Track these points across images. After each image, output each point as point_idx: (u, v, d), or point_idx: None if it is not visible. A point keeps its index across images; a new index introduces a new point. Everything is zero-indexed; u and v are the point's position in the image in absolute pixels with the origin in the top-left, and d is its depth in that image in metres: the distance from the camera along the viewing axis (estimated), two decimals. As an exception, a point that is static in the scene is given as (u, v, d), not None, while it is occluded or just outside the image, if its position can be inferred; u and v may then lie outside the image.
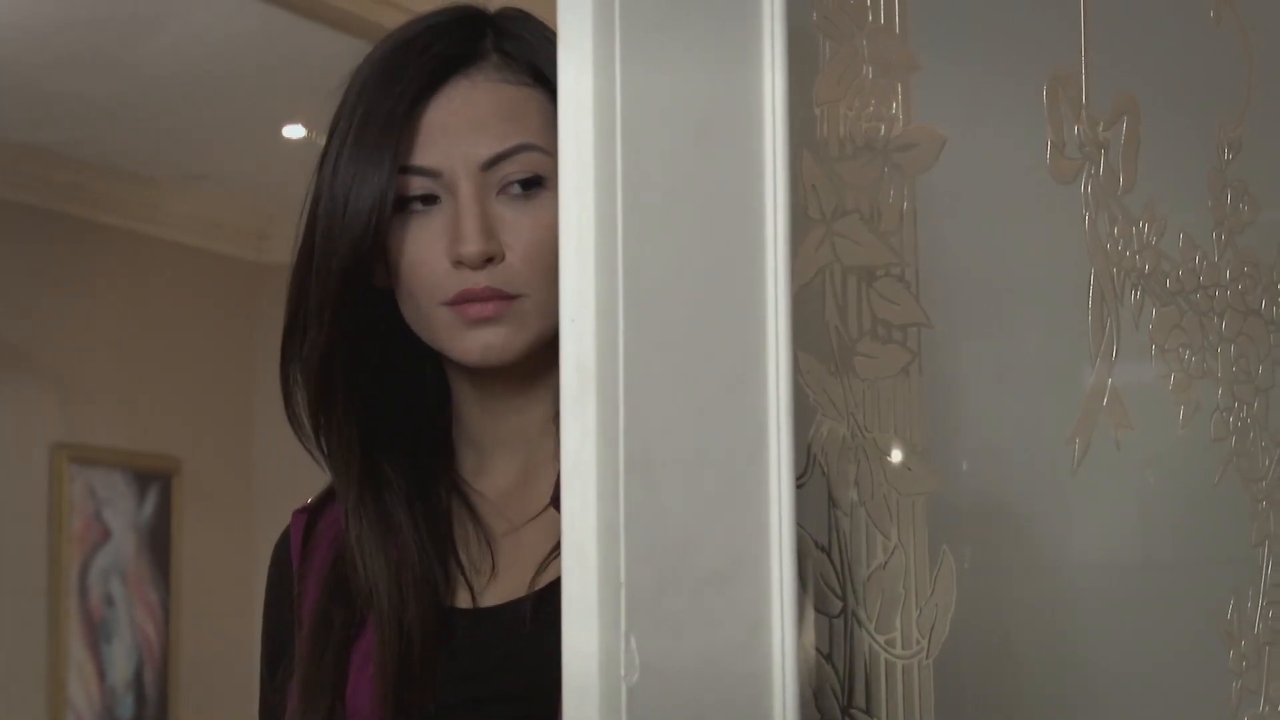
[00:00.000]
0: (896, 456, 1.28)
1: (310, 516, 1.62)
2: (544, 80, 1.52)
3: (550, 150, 1.49)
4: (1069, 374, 1.51)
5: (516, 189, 1.50)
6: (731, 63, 1.13)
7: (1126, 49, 1.58)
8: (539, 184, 1.50)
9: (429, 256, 1.50)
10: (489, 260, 1.49)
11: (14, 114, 6.06)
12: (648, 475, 1.07)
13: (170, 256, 7.07)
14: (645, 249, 1.07)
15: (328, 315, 1.53)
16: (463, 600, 1.54)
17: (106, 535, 6.81)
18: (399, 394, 1.59)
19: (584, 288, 1.06)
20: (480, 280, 1.49)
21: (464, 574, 1.54)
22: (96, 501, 6.77)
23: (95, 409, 6.81)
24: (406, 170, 1.51)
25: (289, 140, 6.21)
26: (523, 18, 1.58)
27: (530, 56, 1.53)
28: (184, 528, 7.07)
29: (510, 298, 1.49)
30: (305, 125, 6.04)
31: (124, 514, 6.88)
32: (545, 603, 1.48)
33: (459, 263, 1.49)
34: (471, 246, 1.48)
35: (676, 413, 1.09)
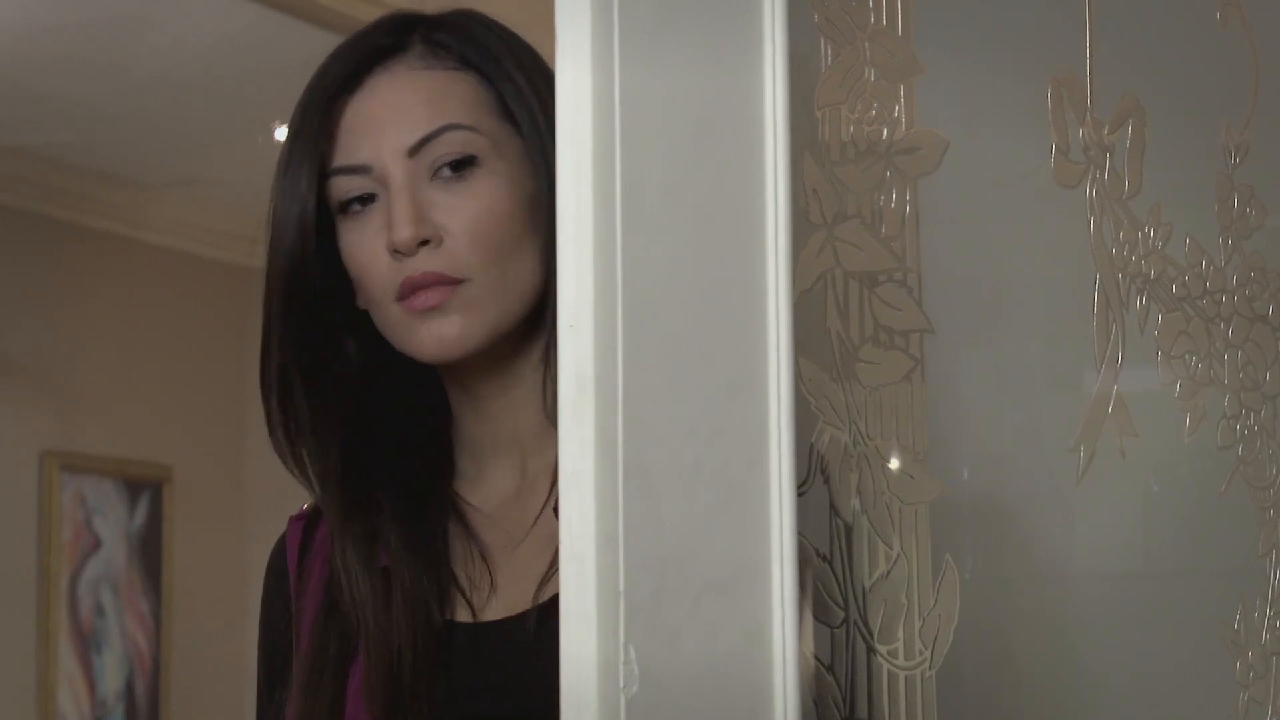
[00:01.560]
0: (899, 464, 1.28)
1: (307, 524, 1.60)
2: (476, 65, 1.52)
3: (481, 129, 1.49)
4: (1073, 381, 1.50)
5: (447, 171, 1.49)
6: (732, 65, 1.13)
7: (1131, 51, 1.58)
8: (472, 163, 1.50)
9: (372, 254, 1.50)
10: (425, 244, 1.48)
11: (0, 117, 6.06)
12: (647, 483, 1.06)
13: (160, 261, 7.06)
14: (644, 254, 1.07)
15: (275, 338, 1.53)
16: (462, 615, 1.53)
17: (97, 544, 6.80)
18: (397, 408, 1.58)
19: (582, 294, 1.05)
20: (419, 266, 1.48)
21: (462, 591, 1.53)
22: (87, 510, 6.76)
23: (85, 416, 6.80)
24: (339, 172, 1.52)
25: (279, 144, 6.19)
26: (464, 13, 1.58)
27: (460, 43, 1.53)
28: (175, 536, 7.06)
29: (454, 281, 1.48)
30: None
31: (115, 523, 6.87)
32: (549, 617, 1.47)
33: (397, 252, 1.48)
34: (402, 231, 1.47)
35: (676, 420, 1.09)
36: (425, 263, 1.48)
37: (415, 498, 1.56)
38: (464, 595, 1.53)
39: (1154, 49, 1.63)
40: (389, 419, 1.58)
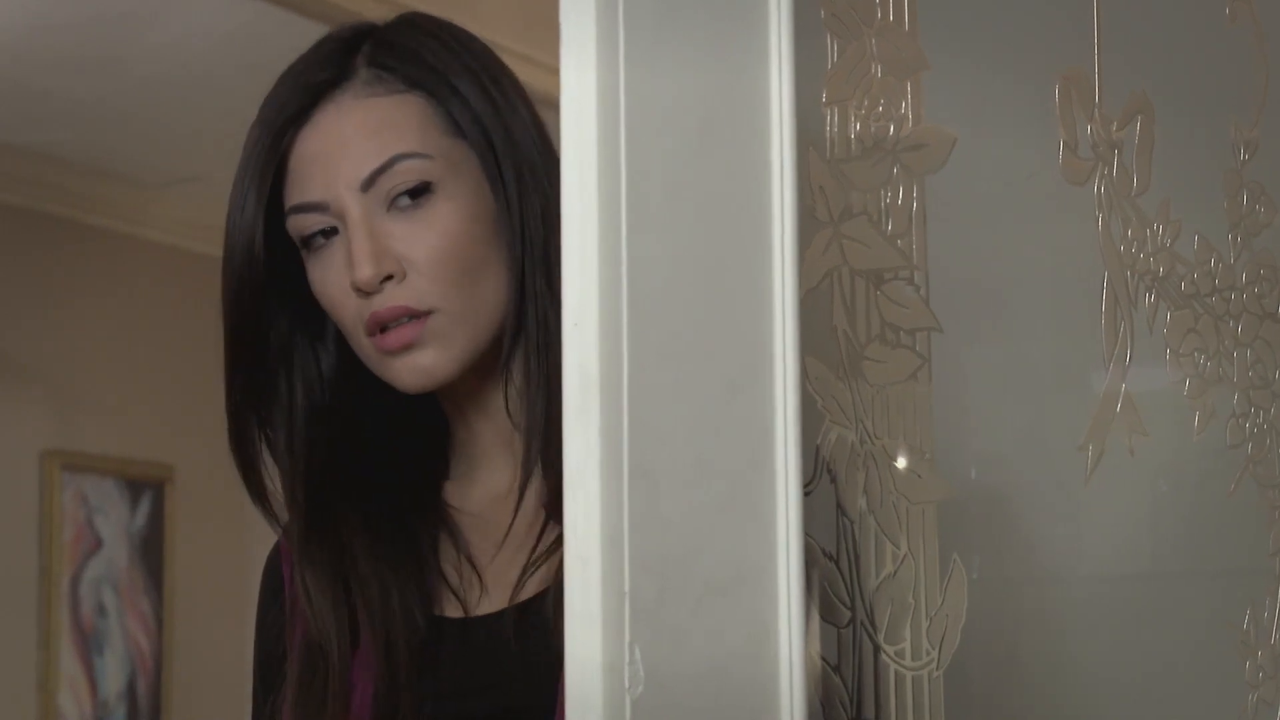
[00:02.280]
0: (906, 463, 1.28)
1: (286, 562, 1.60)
2: (424, 85, 1.51)
3: (433, 153, 1.48)
4: (1081, 379, 1.50)
5: (405, 200, 1.48)
6: (737, 62, 1.13)
7: (1140, 47, 1.58)
8: (428, 190, 1.48)
9: (337, 291, 1.50)
10: (389, 279, 1.47)
11: (1, 114, 6.06)
12: (652, 483, 1.06)
13: (161, 259, 7.06)
14: (649, 252, 1.07)
15: (228, 368, 1.58)
16: (453, 611, 1.53)
17: (98, 544, 6.80)
18: (390, 412, 1.58)
19: (587, 292, 1.05)
20: (385, 301, 1.47)
21: (453, 589, 1.53)
22: (88, 510, 6.76)
23: (86, 415, 6.80)
24: (295, 210, 1.51)
25: (283, 141, 6.19)
26: (409, 23, 1.55)
27: (404, 63, 1.51)
28: (178, 536, 7.06)
29: (422, 314, 1.47)
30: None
31: (116, 522, 6.88)
32: (530, 614, 1.47)
33: (359, 290, 1.48)
34: (363, 271, 1.46)
35: (681, 419, 1.09)
36: (390, 297, 1.47)
37: (397, 502, 1.56)
38: (455, 593, 1.52)
39: (1163, 45, 1.63)
40: (379, 424, 1.58)
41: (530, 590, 1.49)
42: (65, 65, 5.66)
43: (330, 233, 1.50)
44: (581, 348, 1.06)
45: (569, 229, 1.06)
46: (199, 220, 7.10)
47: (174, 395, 7.08)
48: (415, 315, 1.47)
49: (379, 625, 1.50)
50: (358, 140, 1.49)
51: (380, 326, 1.47)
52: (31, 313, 6.60)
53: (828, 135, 1.26)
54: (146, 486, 6.98)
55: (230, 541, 7.14)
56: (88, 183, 6.69)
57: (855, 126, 1.28)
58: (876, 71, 1.29)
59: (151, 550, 7.00)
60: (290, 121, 1.51)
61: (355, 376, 1.55)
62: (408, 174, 1.48)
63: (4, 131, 6.23)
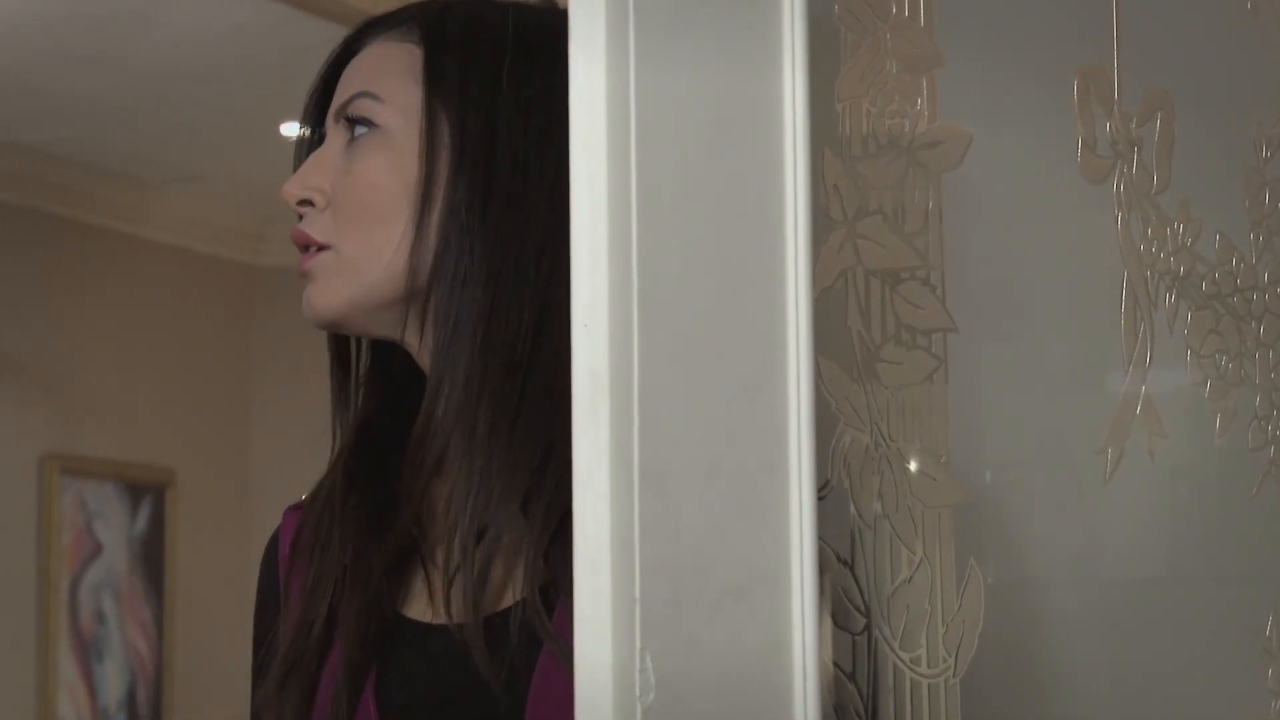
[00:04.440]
0: (921, 466, 1.28)
1: (303, 515, 1.60)
2: (429, 42, 1.52)
3: (390, 99, 1.50)
4: (1100, 381, 1.50)
5: (351, 138, 1.52)
6: (750, 58, 1.13)
7: (1160, 42, 1.58)
8: (367, 133, 1.51)
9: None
10: (310, 205, 1.51)
11: (0, 112, 6.07)
12: (663, 486, 1.07)
13: (163, 260, 7.08)
14: (660, 252, 1.07)
15: None
16: (416, 613, 1.52)
17: (98, 549, 6.81)
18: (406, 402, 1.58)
19: (597, 292, 1.06)
20: (299, 225, 1.52)
21: (431, 590, 1.51)
22: (88, 514, 6.77)
23: (86, 418, 6.81)
24: (313, 132, 1.57)
25: (286, 139, 6.21)
26: None
27: (430, 18, 1.54)
28: (178, 541, 7.07)
29: (320, 247, 1.50)
30: (303, 123, 6.03)
31: (116, 527, 6.89)
32: (493, 628, 1.45)
33: (295, 212, 1.53)
34: (284, 188, 1.52)
35: (693, 422, 1.09)
36: (304, 223, 1.52)
37: (387, 491, 1.55)
38: (431, 594, 1.50)
39: (1183, 40, 1.63)
40: (398, 415, 1.58)
41: (506, 600, 1.47)
42: (65, 62, 5.67)
43: None
44: (591, 349, 1.06)
45: (578, 228, 1.06)
46: (201, 219, 7.12)
47: (175, 397, 7.10)
48: (318, 247, 1.50)
49: (345, 619, 1.49)
50: (352, 74, 1.54)
51: (300, 250, 1.52)
52: (31, 313, 6.62)
53: (842, 133, 1.26)
54: (147, 490, 6.99)
55: (232, 546, 7.15)
56: (87, 181, 6.70)
57: (870, 124, 1.28)
58: (891, 67, 1.29)
59: (152, 555, 7.01)
60: (341, 59, 1.57)
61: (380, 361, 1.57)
62: (357, 110, 1.52)
63: (3, 129, 6.25)
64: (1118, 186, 1.50)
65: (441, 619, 1.47)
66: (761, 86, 1.13)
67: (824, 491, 1.21)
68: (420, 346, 1.51)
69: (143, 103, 6.06)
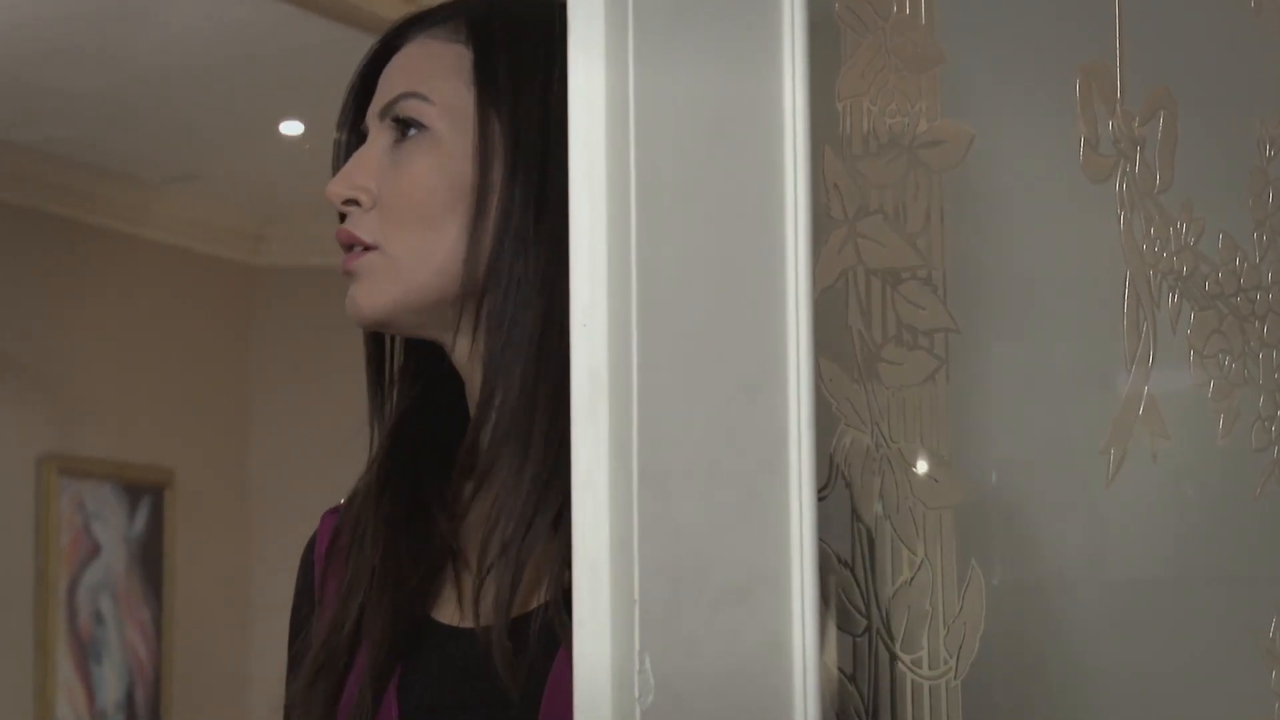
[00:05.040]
0: (923, 468, 1.28)
1: (340, 519, 1.61)
2: (478, 41, 1.53)
3: (439, 100, 1.50)
4: (1103, 381, 1.50)
5: (400, 137, 1.52)
6: (750, 56, 1.13)
7: (1162, 40, 1.58)
8: (418, 133, 1.51)
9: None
10: (355, 205, 1.51)
11: (-2, 111, 6.07)
12: (662, 487, 1.07)
13: (161, 260, 7.07)
14: (660, 251, 1.07)
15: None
16: (446, 616, 1.53)
17: (96, 550, 6.81)
18: (440, 403, 1.59)
19: (596, 292, 1.06)
20: (346, 225, 1.52)
21: (460, 593, 1.52)
22: (85, 515, 6.77)
23: (84, 419, 6.81)
24: (356, 133, 1.57)
25: (286, 137, 6.21)
26: None
27: (477, 17, 1.54)
28: (177, 542, 7.07)
29: (368, 247, 1.50)
30: (303, 121, 6.05)
31: (114, 528, 6.89)
32: (518, 632, 1.46)
33: (338, 211, 1.53)
34: (330, 187, 1.52)
35: (692, 422, 1.09)
36: (350, 222, 1.52)
37: (430, 493, 1.56)
38: (460, 597, 1.52)
39: (1186, 38, 1.63)
40: (430, 414, 1.59)
41: (530, 604, 1.47)
42: (64, 60, 5.67)
43: None
44: (590, 349, 1.06)
45: (577, 228, 1.06)
46: (201, 219, 7.12)
47: (173, 397, 7.10)
48: (365, 247, 1.50)
49: (373, 621, 1.50)
50: (396, 73, 1.54)
51: (342, 251, 1.52)
52: (29, 313, 6.62)
53: (842, 131, 1.26)
54: (145, 491, 6.99)
55: (231, 547, 7.16)
56: (85, 180, 6.70)
57: (871, 123, 1.28)
58: (892, 66, 1.29)
59: (150, 557, 7.01)
60: (382, 56, 1.57)
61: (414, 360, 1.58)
62: (406, 111, 1.51)
63: (1, 129, 6.24)
64: (1120, 186, 1.50)
65: (469, 623, 1.49)
66: (761, 85, 1.13)
67: (824, 492, 1.21)
68: (467, 349, 1.51)
69: (141, 101, 6.06)
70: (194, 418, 7.17)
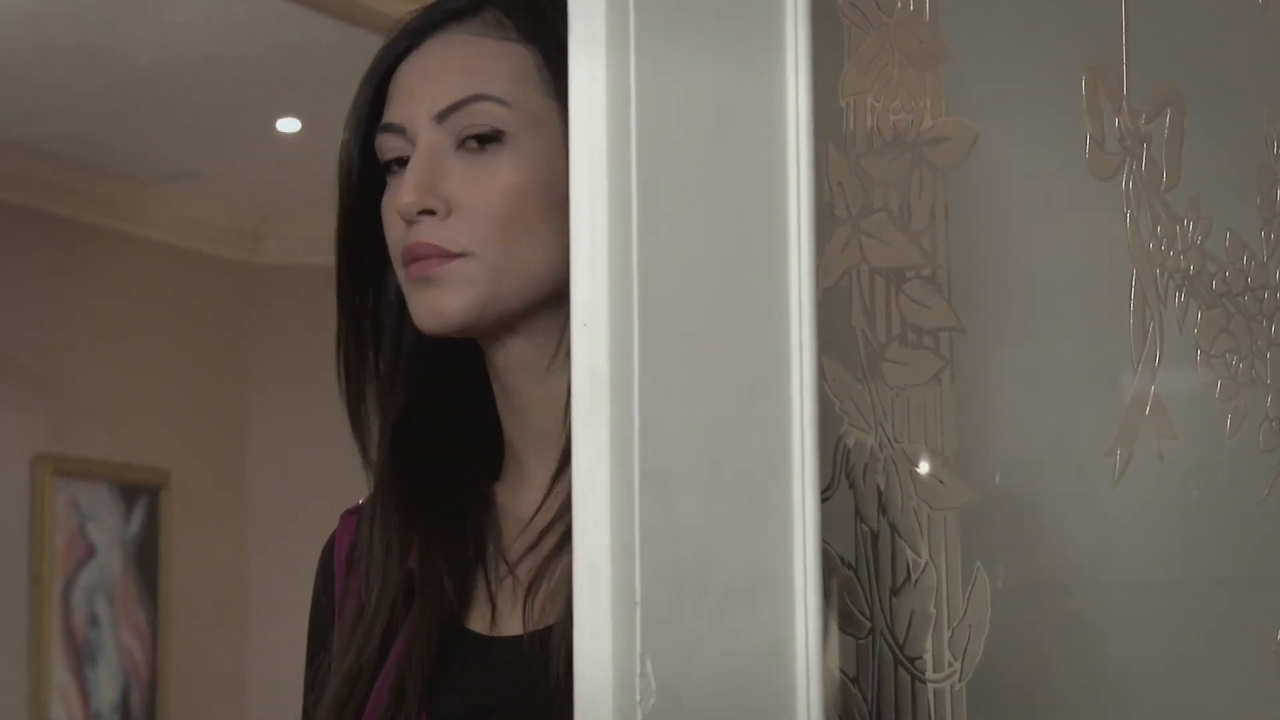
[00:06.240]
0: (927, 468, 1.28)
1: (360, 519, 1.60)
2: (538, 41, 1.52)
3: (515, 104, 1.50)
4: (1109, 381, 1.50)
5: (473, 143, 1.51)
6: (752, 53, 1.13)
7: (1169, 37, 1.58)
8: (498, 139, 1.50)
9: (391, 215, 1.53)
10: (429, 214, 1.50)
11: (-6, 108, 6.08)
12: (664, 488, 1.07)
13: (158, 258, 7.08)
14: (662, 250, 1.07)
15: (338, 300, 1.57)
16: (478, 625, 1.53)
17: (91, 552, 6.81)
18: (450, 404, 1.59)
19: (597, 291, 1.06)
20: (419, 235, 1.50)
21: (492, 600, 1.53)
22: (81, 516, 6.77)
23: (79, 419, 6.81)
24: (381, 131, 1.54)
25: (283, 134, 6.21)
26: None
27: (527, 16, 1.53)
28: (173, 544, 7.07)
29: (453, 255, 1.49)
30: (300, 118, 6.05)
31: (110, 529, 6.89)
32: (548, 640, 1.46)
33: (404, 217, 1.51)
34: (404, 197, 1.50)
35: (694, 423, 1.09)
36: (425, 233, 1.50)
37: (455, 498, 1.56)
38: (493, 601, 1.52)
39: (1192, 35, 1.63)
40: (441, 415, 1.59)
41: (559, 613, 1.48)
42: (59, 56, 5.67)
43: (405, 161, 1.53)
44: (591, 349, 1.06)
45: (578, 227, 1.06)
46: (198, 217, 7.12)
47: (169, 397, 7.10)
48: (443, 255, 1.50)
49: (411, 634, 1.50)
50: (449, 73, 1.52)
51: (414, 258, 1.50)
52: (24, 312, 6.62)
53: (846, 129, 1.26)
54: (141, 492, 6.99)
55: (228, 549, 7.16)
56: (83, 178, 6.70)
57: (875, 120, 1.28)
58: (896, 63, 1.29)
59: (146, 558, 7.01)
60: (409, 45, 1.55)
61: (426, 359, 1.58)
62: (481, 116, 1.51)
63: (-3, 127, 6.25)
64: (1126, 184, 1.50)
65: (500, 631, 1.50)
66: (764, 82, 1.13)
67: (828, 493, 1.21)
68: (525, 351, 1.52)
69: (138, 99, 6.07)
70: (190, 418, 7.17)
